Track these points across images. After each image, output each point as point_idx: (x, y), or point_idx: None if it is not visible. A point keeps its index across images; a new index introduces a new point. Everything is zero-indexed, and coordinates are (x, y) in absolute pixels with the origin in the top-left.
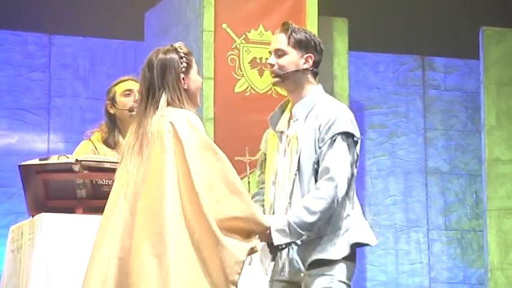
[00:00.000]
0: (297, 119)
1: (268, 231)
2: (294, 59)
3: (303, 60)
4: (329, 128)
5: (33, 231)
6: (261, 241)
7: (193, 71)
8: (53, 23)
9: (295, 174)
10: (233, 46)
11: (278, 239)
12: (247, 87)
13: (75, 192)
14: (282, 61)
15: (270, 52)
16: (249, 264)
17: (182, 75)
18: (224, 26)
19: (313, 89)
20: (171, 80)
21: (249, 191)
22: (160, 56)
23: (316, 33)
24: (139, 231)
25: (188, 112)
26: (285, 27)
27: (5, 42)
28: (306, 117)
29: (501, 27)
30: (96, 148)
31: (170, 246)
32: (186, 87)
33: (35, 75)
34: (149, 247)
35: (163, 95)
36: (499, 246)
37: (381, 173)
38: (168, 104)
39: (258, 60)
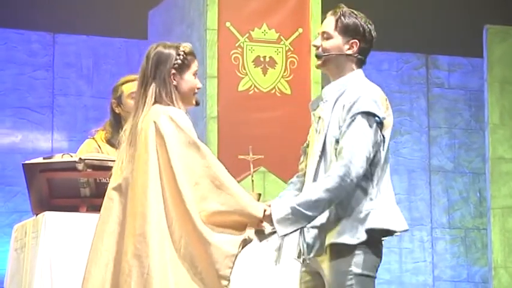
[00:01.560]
0: (326, 100)
1: (270, 221)
2: (337, 43)
3: (347, 46)
4: (350, 108)
5: (37, 230)
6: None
7: (190, 72)
8: (56, 22)
9: (319, 156)
10: (237, 44)
11: (281, 230)
12: (251, 85)
13: (79, 190)
14: (326, 44)
15: (318, 34)
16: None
17: (173, 71)
18: (228, 24)
19: (350, 74)
20: (162, 73)
21: (252, 190)
22: (159, 48)
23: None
24: (127, 234)
25: (173, 109)
26: (336, 11)
27: (9, 41)
28: (336, 100)
29: (505, 25)
30: (99, 147)
31: (152, 247)
32: (175, 83)
33: (39, 74)
34: (133, 249)
35: (153, 87)
36: (502, 244)
37: None
38: (155, 100)
39: (262, 59)
